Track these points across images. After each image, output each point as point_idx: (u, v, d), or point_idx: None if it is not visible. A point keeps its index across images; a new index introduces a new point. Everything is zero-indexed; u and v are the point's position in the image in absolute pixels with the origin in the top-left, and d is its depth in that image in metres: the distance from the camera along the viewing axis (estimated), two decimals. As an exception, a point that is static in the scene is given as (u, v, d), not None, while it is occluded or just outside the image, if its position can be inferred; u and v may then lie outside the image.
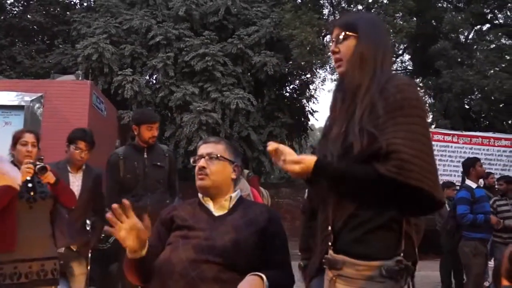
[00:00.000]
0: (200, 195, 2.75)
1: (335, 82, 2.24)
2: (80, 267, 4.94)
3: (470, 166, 7.12)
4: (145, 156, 4.94)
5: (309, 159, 1.93)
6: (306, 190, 3.68)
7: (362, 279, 1.85)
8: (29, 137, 4.20)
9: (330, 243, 1.98)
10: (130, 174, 4.86)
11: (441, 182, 9.32)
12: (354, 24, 2.13)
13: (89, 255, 6.00)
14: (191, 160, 2.79)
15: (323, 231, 2.06)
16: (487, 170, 12.17)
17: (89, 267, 5.90)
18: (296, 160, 1.94)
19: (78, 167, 4.93)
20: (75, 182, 4.85)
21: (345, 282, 1.88)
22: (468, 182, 7.06)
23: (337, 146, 1.94)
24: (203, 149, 2.75)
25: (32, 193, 3.94)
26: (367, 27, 2.13)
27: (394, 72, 2.07)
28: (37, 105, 11.77)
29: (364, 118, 1.91)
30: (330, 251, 1.96)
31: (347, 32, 2.12)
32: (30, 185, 4.01)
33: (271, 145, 2.00)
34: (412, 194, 1.83)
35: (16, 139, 4.26)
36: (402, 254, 1.89)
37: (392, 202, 1.87)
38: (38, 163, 3.95)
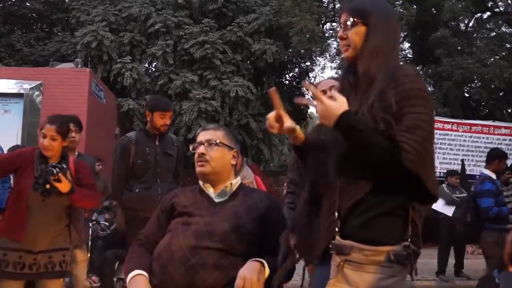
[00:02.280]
0: (200, 182, 2.76)
1: (338, 69, 2.23)
2: (83, 254, 4.95)
3: (497, 158, 7.07)
4: (157, 143, 4.85)
5: (343, 104, 1.91)
6: (285, 184, 3.69)
7: (370, 264, 1.86)
8: (49, 130, 3.79)
9: (337, 229, 1.99)
10: (141, 159, 4.76)
11: (442, 170, 9.37)
12: (364, 11, 2.09)
13: (89, 242, 6.06)
14: (190, 147, 2.79)
15: (328, 217, 2.06)
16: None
17: (89, 255, 5.97)
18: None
19: (71, 151, 4.77)
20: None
21: (353, 267, 1.89)
22: (487, 172, 7.01)
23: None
24: (202, 136, 2.76)
25: (48, 186, 3.61)
26: (381, 17, 2.09)
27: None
28: (36, 92, 11.76)
29: (375, 105, 1.91)
30: (337, 237, 1.97)
31: (356, 19, 2.09)
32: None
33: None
34: (407, 180, 1.84)
35: (39, 128, 4.00)
36: (409, 240, 1.90)
37: (401, 187, 1.88)
38: (57, 166, 3.62)
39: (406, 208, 1.93)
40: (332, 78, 3.60)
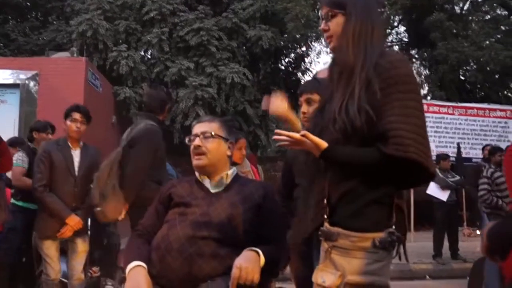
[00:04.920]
0: (197, 173, 2.81)
1: (331, 57, 2.28)
2: (84, 244, 4.98)
3: None
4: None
5: (319, 144, 1.99)
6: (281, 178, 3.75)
7: (356, 249, 1.94)
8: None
9: (326, 216, 2.04)
10: (162, 153, 4.53)
11: (437, 154, 9.41)
12: (341, 1, 2.16)
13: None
14: (186, 139, 2.85)
15: (318, 203, 2.12)
16: (482, 141, 12.27)
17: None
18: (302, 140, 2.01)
19: (77, 142, 4.94)
20: (75, 158, 4.90)
21: (340, 252, 1.96)
22: None
23: (338, 125, 1.99)
24: (198, 128, 2.82)
25: None
26: (356, 3, 2.15)
27: (386, 46, 2.10)
28: (32, 82, 11.74)
29: (362, 94, 1.96)
30: (326, 224, 2.03)
31: (335, 10, 2.15)
32: None
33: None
34: (409, 168, 1.91)
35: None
36: (393, 226, 1.97)
37: (388, 176, 1.95)
38: None
39: (392, 195, 2.00)
40: None
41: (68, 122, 4.85)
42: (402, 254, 2.10)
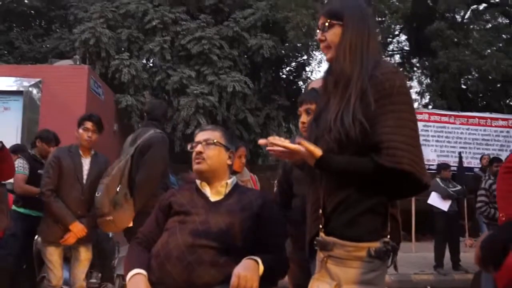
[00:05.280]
0: (197, 181, 2.85)
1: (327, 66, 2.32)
2: (87, 252, 4.99)
3: None
4: None
5: (314, 152, 2.02)
6: (276, 181, 3.78)
7: (352, 259, 1.96)
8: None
9: (321, 226, 2.07)
10: (168, 161, 4.64)
11: (438, 163, 9.42)
12: (338, 12, 2.20)
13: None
14: (188, 146, 2.91)
15: (313, 212, 2.15)
16: (484, 151, 12.25)
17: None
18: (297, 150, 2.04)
19: (88, 150, 4.98)
20: (85, 166, 4.93)
21: (335, 262, 1.99)
22: None
23: (333, 134, 2.02)
24: (200, 136, 2.88)
25: None
26: (353, 15, 2.18)
27: (383, 56, 2.13)
28: (35, 90, 11.80)
29: (356, 105, 1.99)
30: (321, 233, 2.06)
31: (332, 21, 2.19)
32: None
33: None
34: (400, 178, 1.93)
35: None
36: (388, 236, 2.00)
37: (381, 186, 1.98)
38: None
39: (386, 205, 2.03)
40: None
41: (80, 131, 4.90)
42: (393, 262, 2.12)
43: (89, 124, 4.90)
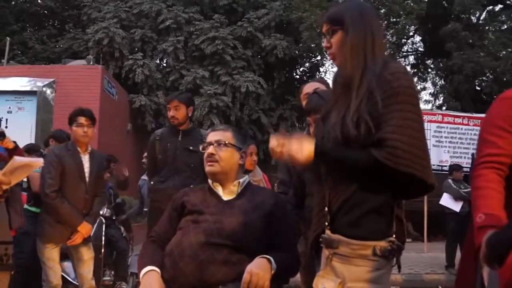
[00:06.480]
0: (210, 181, 2.86)
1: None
2: (89, 251, 4.90)
3: None
4: (179, 139, 4.81)
5: (309, 146, 2.03)
6: (276, 184, 3.78)
7: (357, 257, 1.96)
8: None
9: (327, 223, 2.07)
10: (162, 154, 4.78)
11: (450, 164, 9.39)
12: (339, 17, 2.18)
13: (103, 238, 6.13)
14: (200, 147, 2.91)
15: (319, 211, 2.16)
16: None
17: (103, 250, 6.03)
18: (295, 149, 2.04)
19: (85, 146, 4.84)
20: (85, 164, 4.80)
21: (341, 260, 1.99)
22: None
23: (337, 133, 2.02)
24: (212, 136, 2.87)
25: None
26: (352, 17, 2.16)
27: (394, 56, 2.13)
28: (49, 90, 11.88)
29: (362, 106, 1.99)
30: (327, 231, 2.06)
31: (334, 27, 2.18)
32: None
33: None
34: (403, 179, 1.94)
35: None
36: (394, 235, 2.00)
37: (386, 186, 1.98)
38: None
39: (391, 205, 2.02)
40: (317, 80, 3.77)
41: (74, 128, 4.72)
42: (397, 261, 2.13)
43: (82, 119, 4.70)
